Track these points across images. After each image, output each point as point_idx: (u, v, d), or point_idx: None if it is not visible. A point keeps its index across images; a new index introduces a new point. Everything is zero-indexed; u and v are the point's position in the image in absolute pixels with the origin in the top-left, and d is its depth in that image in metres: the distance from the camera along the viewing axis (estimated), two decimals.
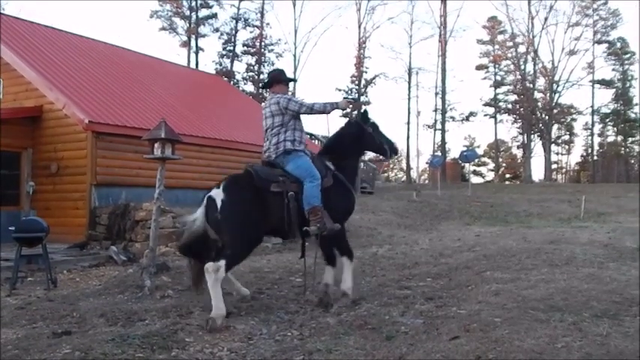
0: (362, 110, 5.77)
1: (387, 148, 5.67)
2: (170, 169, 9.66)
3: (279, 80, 5.46)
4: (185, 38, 38.28)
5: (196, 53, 37.92)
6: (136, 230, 9.90)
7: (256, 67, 40.31)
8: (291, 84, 6.05)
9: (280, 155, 5.13)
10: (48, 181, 11.45)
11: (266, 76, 5.58)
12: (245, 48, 40.44)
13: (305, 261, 5.33)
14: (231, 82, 35.84)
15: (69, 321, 4.64)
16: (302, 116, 5.35)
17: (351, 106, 5.47)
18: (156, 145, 5.85)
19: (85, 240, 10.43)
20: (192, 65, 35.52)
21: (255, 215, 4.74)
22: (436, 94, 41.25)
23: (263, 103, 5.48)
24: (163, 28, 38.40)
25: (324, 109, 5.26)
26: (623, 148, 53.04)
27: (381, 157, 6.07)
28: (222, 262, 4.43)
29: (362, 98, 40.70)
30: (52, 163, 11.43)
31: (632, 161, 54.92)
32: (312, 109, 5.22)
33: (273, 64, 40.50)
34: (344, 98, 5.48)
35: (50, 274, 6.60)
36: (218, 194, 4.69)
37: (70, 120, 11.23)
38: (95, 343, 3.90)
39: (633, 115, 50.42)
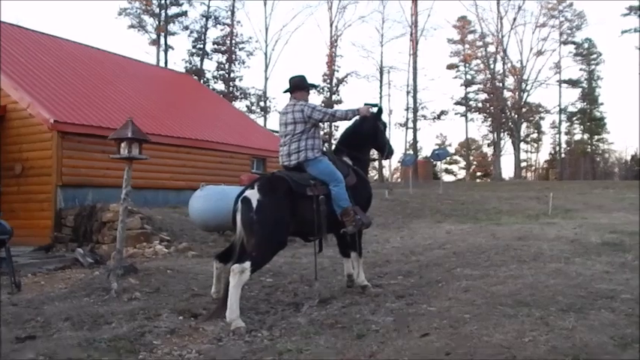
0: (379, 108, 5.87)
1: (386, 149, 5.96)
2: (138, 169, 9.54)
3: (301, 87, 5.46)
4: (154, 36, 37.84)
5: (166, 51, 37.55)
6: (103, 232, 9.75)
7: (227, 66, 40.06)
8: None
9: (301, 162, 5.21)
10: (12, 183, 11.18)
11: (288, 81, 5.52)
12: (215, 46, 40.18)
13: (315, 258, 5.44)
14: (202, 81, 35.54)
15: (33, 325, 4.53)
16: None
17: (371, 111, 5.55)
18: (122, 144, 5.75)
19: (51, 242, 10.23)
20: (162, 64, 35.11)
21: (288, 219, 4.77)
22: (407, 92, 41.61)
23: (282, 108, 5.45)
24: (132, 26, 37.84)
25: (346, 115, 5.50)
26: (589, 146, 54.35)
27: (376, 155, 6.42)
28: (248, 264, 4.39)
29: (334, 97, 40.79)
30: (17, 163, 11.17)
31: (598, 159, 56.31)
32: (334, 117, 5.44)
33: (243, 63, 40.52)
34: (365, 104, 5.55)
35: (14, 278, 6.43)
36: (253, 194, 4.66)
37: (35, 120, 10.99)
38: (60, 347, 3.82)
39: (599, 114, 51.79)
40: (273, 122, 39.16)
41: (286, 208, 4.77)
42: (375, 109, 5.70)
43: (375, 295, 5.27)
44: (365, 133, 5.73)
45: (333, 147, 6.06)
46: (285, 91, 5.54)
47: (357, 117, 5.60)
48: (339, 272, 6.45)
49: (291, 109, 5.32)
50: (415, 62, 39.22)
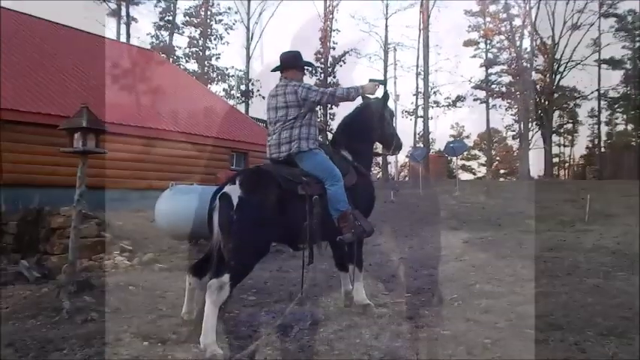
0: (384, 92, 5.84)
1: (393, 142, 5.97)
2: (94, 165, 9.50)
3: (294, 65, 5.46)
4: (114, 6, 37.70)
5: (127, 24, 37.44)
6: (52, 240, 9.74)
7: (200, 42, 40.03)
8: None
9: (293, 154, 5.20)
10: None
11: (278, 59, 5.51)
12: (187, 18, 40.24)
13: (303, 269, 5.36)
14: (171, 60, 35.49)
15: None
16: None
17: (378, 89, 5.48)
18: (76, 136, 5.75)
19: None
20: (123, 38, 35.04)
21: (273, 220, 4.76)
22: (417, 74, 41.68)
23: (271, 90, 5.45)
24: None
25: (348, 95, 5.43)
26: (634, 139, 54.49)
27: (380, 149, 6.36)
28: (227, 278, 4.37)
29: (329, 79, 40.81)
30: None
31: None
32: (334, 97, 5.42)
33: (221, 38, 40.48)
34: (370, 80, 5.53)
35: None
36: (234, 190, 4.66)
37: None
38: None
39: None
40: (257, 109, 39.10)
41: (272, 208, 4.76)
42: (381, 87, 5.67)
43: (378, 317, 5.29)
44: (368, 122, 5.73)
45: (330, 138, 6.07)
46: (274, 70, 5.54)
47: (359, 98, 5.61)
48: (335, 288, 6.48)
49: (282, 90, 5.31)
50: (426, 38, 39.23)
